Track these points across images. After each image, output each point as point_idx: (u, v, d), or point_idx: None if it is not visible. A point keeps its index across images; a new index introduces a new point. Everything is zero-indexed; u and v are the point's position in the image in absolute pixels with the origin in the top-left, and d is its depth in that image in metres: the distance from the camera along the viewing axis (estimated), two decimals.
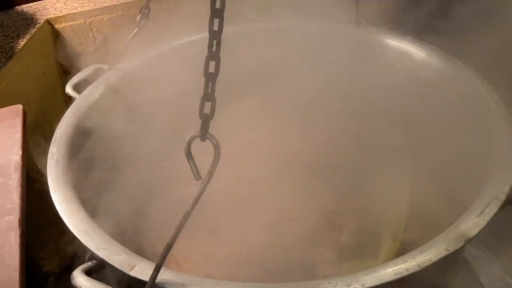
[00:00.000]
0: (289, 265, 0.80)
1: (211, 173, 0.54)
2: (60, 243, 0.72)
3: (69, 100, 0.96)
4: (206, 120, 0.55)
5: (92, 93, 0.93)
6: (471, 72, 0.80)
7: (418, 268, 0.53)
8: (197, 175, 0.55)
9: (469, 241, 0.55)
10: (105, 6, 1.09)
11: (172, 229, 0.90)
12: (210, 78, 0.55)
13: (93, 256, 0.59)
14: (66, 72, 1.13)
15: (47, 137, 0.91)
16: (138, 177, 0.95)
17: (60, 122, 0.83)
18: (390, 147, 0.88)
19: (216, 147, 0.55)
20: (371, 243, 0.79)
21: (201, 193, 0.54)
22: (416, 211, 0.85)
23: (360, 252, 0.78)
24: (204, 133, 0.55)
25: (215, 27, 0.53)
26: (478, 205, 0.60)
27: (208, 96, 0.55)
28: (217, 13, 0.53)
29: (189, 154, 0.55)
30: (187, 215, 0.55)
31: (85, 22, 1.09)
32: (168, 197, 0.96)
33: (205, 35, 1.15)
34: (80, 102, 0.90)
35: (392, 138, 0.87)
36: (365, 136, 0.89)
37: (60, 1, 1.12)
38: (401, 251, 0.77)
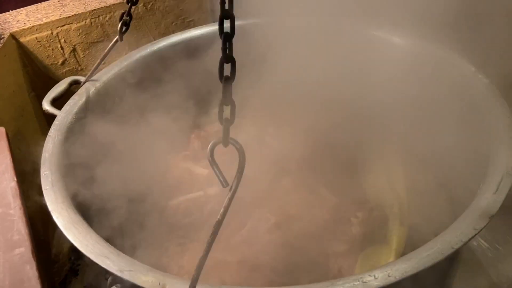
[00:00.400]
0: (301, 263, 0.79)
1: (238, 180, 0.53)
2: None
3: (47, 116, 0.91)
4: (226, 124, 0.53)
5: (74, 107, 0.88)
6: (464, 63, 0.82)
7: (452, 250, 0.54)
8: (224, 182, 0.53)
9: (492, 217, 0.57)
10: (72, 15, 1.03)
11: (173, 240, 0.89)
12: (227, 81, 0.53)
13: (116, 280, 0.56)
14: (37, 88, 1.06)
15: (26, 159, 0.86)
16: (131, 187, 0.91)
17: (46, 142, 0.79)
18: (384, 140, 0.90)
19: (241, 152, 0.53)
20: (379, 230, 0.80)
21: (230, 200, 0.53)
22: (413, 195, 0.87)
23: (370, 241, 0.79)
24: (226, 138, 0.53)
25: (227, 29, 0.52)
26: (491, 182, 0.62)
27: (227, 100, 0.53)
28: (226, 14, 0.52)
29: (213, 162, 0.53)
30: (218, 224, 0.53)
31: (51, 33, 1.03)
32: (162, 207, 0.93)
33: (187, 35, 1.13)
34: (63, 118, 0.85)
35: (385, 131, 0.89)
36: (360, 130, 0.90)
37: (21, 13, 1.05)
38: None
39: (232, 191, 0.52)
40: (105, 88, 0.95)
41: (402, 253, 0.75)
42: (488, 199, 0.59)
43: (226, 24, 0.52)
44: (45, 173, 0.71)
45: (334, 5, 0.86)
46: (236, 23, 0.52)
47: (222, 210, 0.52)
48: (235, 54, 0.53)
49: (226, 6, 0.52)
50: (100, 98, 0.94)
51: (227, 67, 0.53)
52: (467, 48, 0.79)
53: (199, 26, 1.11)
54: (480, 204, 0.59)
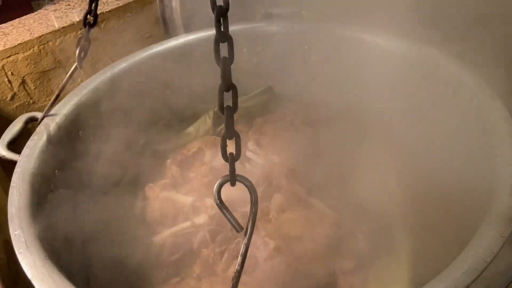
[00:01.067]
0: (309, 285, 0.75)
1: (253, 222, 0.47)
2: None
3: (4, 163, 0.80)
4: (232, 161, 0.47)
5: (35, 149, 0.78)
6: (460, 64, 0.80)
7: (486, 264, 0.50)
8: (237, 226, 0.47)
9: None
10: (18, 44, 0.92)
11: (165, 282, 0.82)
12: (229, 111, 0.47)
13: None
14: None
15: None
16: (112, 225, 0.83)
17: (11, 194, 0.69)
18: (374, 143, 0.87)
19: (252, 190, 0.47)
20: (385, 241, 0.76)
21: (247, 246, 0.47)
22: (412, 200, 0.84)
23: (377, 253, 0.75)
24: (233, 176, 0.47)
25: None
26: (504, 185, 0.59)
27: (230, 132, 0.47)
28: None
29: (221, 204, 0.47)
30: (238, 275, 0.47)
31: None
32: (146, 246, 0.85)
33: (148, 53, 1.04)
34: (25, 164, 0.75)
35: (376, 135, 0.86)
36: (349, 134, 0.87)
37: None
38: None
39: (248, 236, 0.46)
40: (66, 122, 0.86)
41: (413, 264, 0.72)
42: (506, 201, 0.57)
43: None
44: (16, 232, 0.62)
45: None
46: None
47: (240, 259, 0.47)
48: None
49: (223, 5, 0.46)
50: (62, 134, 0.84)
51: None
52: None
53: (160, 42, 1.03)
54: (499, 208, 0.56)
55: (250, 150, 0.97)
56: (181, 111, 1.07)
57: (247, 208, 0.85)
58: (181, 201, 0.89)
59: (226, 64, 0.46)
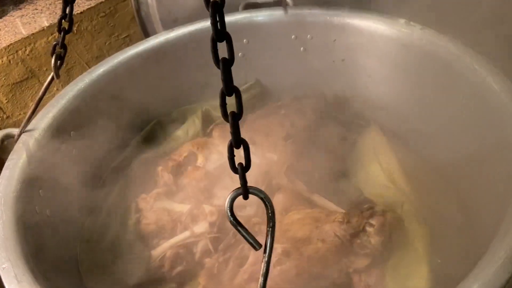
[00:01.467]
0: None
1: (272, 237, 0.43)
2: None
3: None
4: (242, 171, 0.43)
5: (15, 169, 0.72)
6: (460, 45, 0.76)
7: None
8: (255, 244, 0.43)
9: None
10: None
11: None
12: (234, 118, 0.42)
13: None
14: None
15: None
16: (106, 243, 0.78)
17: None
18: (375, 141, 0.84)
19: (268, 202, 0.43)
20: (398, 235, 0.73)
21: (268, 264, 0.42)
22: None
23: (390, 248, 0.72)
24: (245, 189, 0.43)
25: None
26: None
27: (237, 140, 0.43)
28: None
29: (236, 221, 0.43)
30: None
31: None
32: (145, 261, 0.80)
33: (127, 54, 0.98)
34: (6, 187, 0.69)
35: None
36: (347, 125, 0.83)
37: None
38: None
39: (268, 253, 0.42)
40: (46, 137, 0.80)
41: (431, 257, 0.69)
42: None
43: None
44: (4, 266, 0.56)
45: None
46: None
47: (261, 280, 0.42)
48: None
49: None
50: (43, 151, 0.78)
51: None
52: None
53: (138, 43, 0.97)
54: None
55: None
56: (167, 113, 1.02)
57: (245, 213, 0.82)
58: (178, 210, 0.84)
59: (226, 66, 0.41)
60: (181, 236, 0.81)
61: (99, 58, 0.95)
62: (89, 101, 0.87)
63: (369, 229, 0.72)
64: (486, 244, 0.50)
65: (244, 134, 0.95)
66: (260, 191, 0.42)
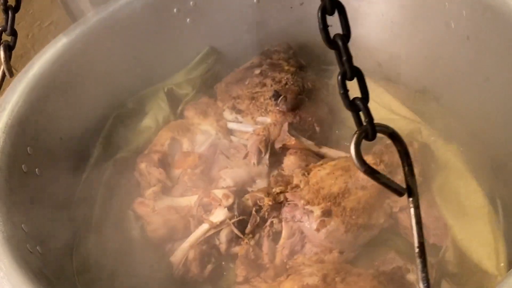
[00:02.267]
0: (373, 235, 0.67)
1: (413, 177, 0.35)
2: None
3: None
4: (365, 104, 0.35)
5: None
6: None
7: None
8: (400, 189, 0.35)
9: None
10: None
11: None
12: (342, 39, 0.34)
13: None
14: None
15: None
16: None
17: None
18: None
19: (397, 137, 0.35)
20: (431, 160, 0.71)
21: (418, 209, 0.35)
22: None
23: (430, 175, 0.69)
24: (372, 126, 0.35)
25: None
26: None
27: (351, 69, 0.34)
28: None
29: (371, 169, 0.34)
30: (422, 247, 0.36)
31: None
32: (165, 271, 0.68)
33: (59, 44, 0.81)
34: None
35: None
36: None
37: None
38: None
39: (415, 196, 0.35)
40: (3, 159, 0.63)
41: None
42: None
43: None
44: None
45: None
46: None
47: (416, 229, 0.35)
48: None
49: None
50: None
51: None
52: None
53: (68, 29, 0.80)
54: None
55: (230, 120, 0.82)
56: (121, 104, 0.87)
57: (259, 186, 0.73)
58: (184, 204, 0.72)
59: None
60: (199, 232, 0.70)
61: (24, 57, 0.76)
62: (36, 106, 0.71)
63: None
64: None
65: (223, 106, 0.85)
66: (387, 126, 0.35)
